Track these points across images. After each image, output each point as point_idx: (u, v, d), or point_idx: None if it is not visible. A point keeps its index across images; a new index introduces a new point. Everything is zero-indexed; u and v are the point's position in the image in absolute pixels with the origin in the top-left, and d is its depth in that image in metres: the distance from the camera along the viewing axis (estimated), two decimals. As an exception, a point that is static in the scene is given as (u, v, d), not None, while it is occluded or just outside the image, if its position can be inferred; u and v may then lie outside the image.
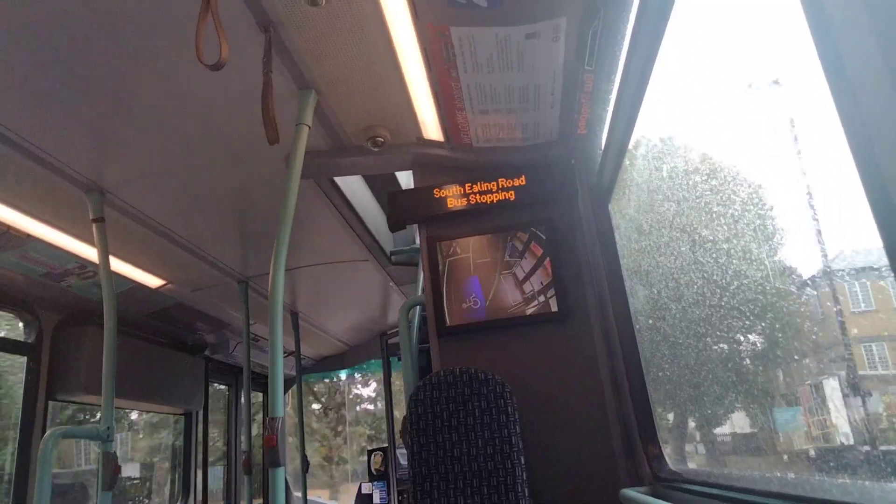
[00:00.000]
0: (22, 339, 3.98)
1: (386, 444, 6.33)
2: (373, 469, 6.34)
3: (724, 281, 1.77)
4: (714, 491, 1.68)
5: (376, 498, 6.29)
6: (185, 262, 3.94)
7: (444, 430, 2.50)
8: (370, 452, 6.47)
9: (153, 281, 4.15)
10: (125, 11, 1.95)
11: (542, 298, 2.78)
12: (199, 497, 5.74)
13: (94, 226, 3.00)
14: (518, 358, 2.75)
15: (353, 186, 3.89)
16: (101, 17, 1.96)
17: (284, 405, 5.70)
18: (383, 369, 6.68)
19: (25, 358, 3.95)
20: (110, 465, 2.88)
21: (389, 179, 4.09)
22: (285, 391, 6.95)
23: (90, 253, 3.43)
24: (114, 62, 2.18)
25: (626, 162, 2.46)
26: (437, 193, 2.96)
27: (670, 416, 2.66)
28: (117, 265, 3.70)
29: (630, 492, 2.29)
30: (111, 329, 3.01)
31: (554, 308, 2.76)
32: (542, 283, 2.80)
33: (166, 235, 3.56)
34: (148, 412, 6.81)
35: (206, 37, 1.84)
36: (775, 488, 1.46)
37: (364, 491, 6.37)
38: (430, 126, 2.82)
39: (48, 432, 2.77)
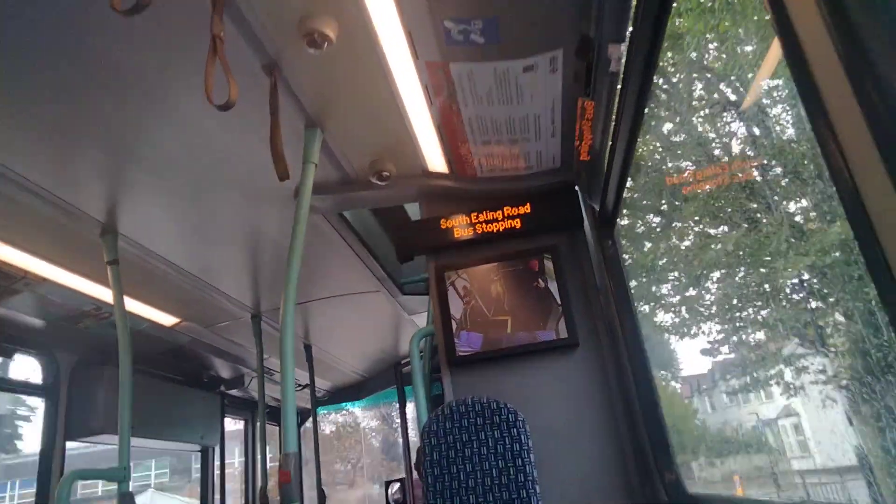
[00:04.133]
0: (40, 382, 4.02)
1: (403, 476, 6.28)
2: (391, 500, 6.27)
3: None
4: None
5: (395, 530, 6.20)
6: (198, 299, 3.99)
7: (459, 461, 2.49)
8: (387, 483, 6.41)
9: (168, 319, 4.19)
10: (135, 58, 2.02)
11: (551, 325, 2.78)
12: None
13: (108, 268, 3.06)
14: (530, 386, 2.74)
15: (363, 219, 3.94)
16: (112, 65, 2.03)
17: (299, 438, 5.69)
18: (398, 399, 6.65)
19: (43, 399, 3.99)
20: None
21: (398, 209, 4.13)
22: (301, 424, 6.94)
23: (106, 294, 3.48)
24: (125, 108, 2.25)
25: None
26: (443, 224, 3.00)
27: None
28: (132, 305, 3.75)
29: None
30: (127, 369, 3.04)
31: (564, 335, 2.76)
32: (551, 310, 2.81)
33: (180, 274, 3.61)
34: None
35: (215, 79, 1.90)
36: None
37: (383, 523, 6.28)
38: (435, 159, 2.87)
39: (65, 474, 2.79)
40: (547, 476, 2.54)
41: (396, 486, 6.28)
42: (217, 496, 5.82)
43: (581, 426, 2.65)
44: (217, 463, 5.90)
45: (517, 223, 2.94)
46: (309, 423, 6.47)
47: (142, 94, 2.20)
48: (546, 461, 2.57)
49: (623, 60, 2.09)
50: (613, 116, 2.38)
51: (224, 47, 1.89)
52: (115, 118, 2.30)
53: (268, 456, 5.41)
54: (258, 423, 5.70)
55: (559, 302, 2.81)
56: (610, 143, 2.49)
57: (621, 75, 2.15)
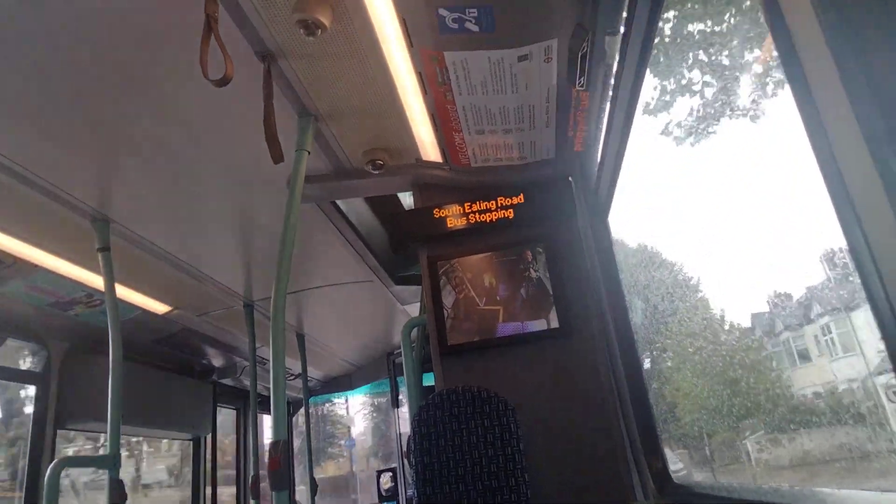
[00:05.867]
0: (31, 369, 4.01)
1: (394, 465, 6.31)
2: (382, 490, 6.30)
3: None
4: None
5: (386, 519, 6.24)
6: (190, 287, 3.98)
7: (448, 450, 2.50)
8: (379, 473, 6.44)
9: (159, 307, 4.18)
10: (128, 44, 2.01)
11: (543, 315, 2.79)
12: None
13: (99, 255, 3.05)
14: (521, 375, 2.75)
15: (356, 208, 3.93)
16: (105, 50, 2.02)
17: (290, 427, 5.69)
18: (390, 389, 6.67)
19: (34, 387, 3.98)
20: (117, 492, 2.90)
21: (391, 198, 4.13)
22: (293, 413, 6.95)
23: (97, 281, 3.47)
24: (117, 94, 2.24)
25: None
26: (436, 214, 2.99)
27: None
28: (124, 293, 3.74)
29: None
30: (117, 357, 3.04)
31: (555, 324, 2.77)
32: (543, 300, 2.82)
33: (172, 262, 3.60)
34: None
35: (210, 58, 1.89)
36: (784, 499, 1.45)
37: (374, 513, 6.32)
38: (429, 147, 2.87)
39: (55, 461, 2.79)
40: (537, 464, 2.56)
41: (388, 475, 6.31)
42: (209, 487, 5.83)
43: (571, 415, 2.66)
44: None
45: (510, 213, 2.95)
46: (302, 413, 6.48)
47: (134, 80, 2.18)
48: (536, 449, 2.59)
49: (618, 51, 2.09)
50: (608, 107, 2.38)
51: (218, 30, 1.88)
52: (107, 104, 2.29)
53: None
54: (250, 413, 5.71)
55: (551, 292, 2.82)
56: (604, 133, 2.49)
57: (615, 66, 2.15)
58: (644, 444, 2.38)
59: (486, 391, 2.57)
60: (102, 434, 4.28)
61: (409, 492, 6.08)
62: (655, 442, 2.35)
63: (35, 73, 2.08)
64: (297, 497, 6.63)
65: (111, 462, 2.92)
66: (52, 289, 3.54)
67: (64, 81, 2.14)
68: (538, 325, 2.78)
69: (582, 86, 2.27)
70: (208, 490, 5.80)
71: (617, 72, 2.14)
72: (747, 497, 1.66)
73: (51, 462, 3.74)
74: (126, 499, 2.95)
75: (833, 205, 0.89)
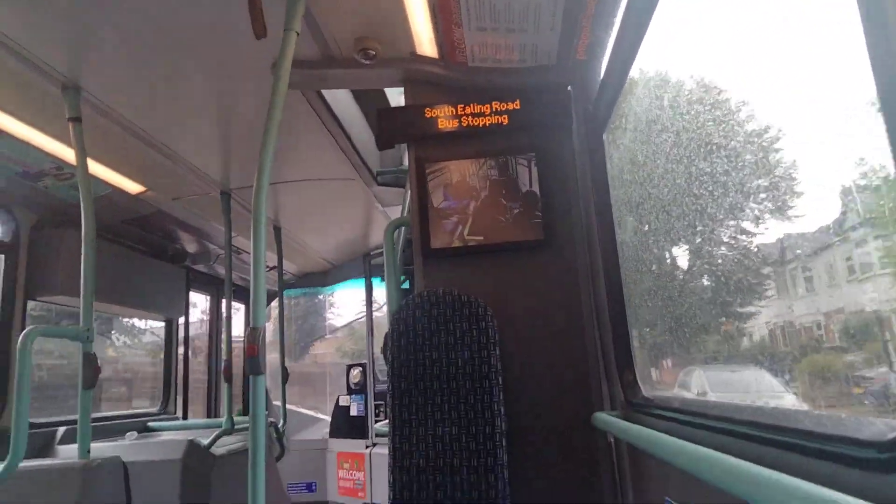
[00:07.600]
0: (-1, 239, 3.92)
1: (365, 361, 6.49)
2: (351, 383, 6.52)
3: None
4: (684, 417, 1.74)
5: (353, 410, 6.50)
6: (165, 169, 3.85)
7: (426, 349, 2.55)
8: (349, 367, 6.64)
9: (133, 187, 4.06)
10: None
11: (529, 225, 2.77)
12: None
13: (70, 125, 2.90)
14: (501, 282, 2.77)
15: (342, 101, 3.77)
16: None
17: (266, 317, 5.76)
18: (366, 289, 6.75)
19: (3, 256, 3.90)
20: (91, 365, 2.92)
21: (378, 95, 3.97)
22: (267, 304, 7.01)
23: (67, 153, 3.33)
24: None
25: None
26: (428, 113, 2.88)
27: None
28: (95, 168, 3.60)
29: (603, 415, 2.39)
30: (90, 233, 2.96)
31: (540, 235, 2.76)
32: (529, 210, 2.79)
33: (146, 140, 3.45)
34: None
35: None
36: (746, 416, 1.50)
37: (342, 403, 6.57)
38: (425, 41, 2.71)
39: (27, 330, 2.76)
40: (511, 369, 2.63)
41: (357, 370, 6.51)
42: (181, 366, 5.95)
43: (548, 324, 2.71)
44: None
45: (505, 119, 2.85)
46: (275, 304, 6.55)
47: None
48: (511, 355, 2.65)
49: None
50: (620, 14, 2.25)
51: None
52: None
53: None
54: (224, 300, 5.74)
55: (539, 202, 2.78)
56: (612, 43, 2.37)
57: None
58: (618, 358, 2.45)
59: (466, 295, 2.59)
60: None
61: (378, 387, 6.30)
62: (629, 356, 2.41)
63: None
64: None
65: (84, 334, 2.92)
66: (20, 157, 3.38)
67: None
68: (523, 235, 2.77)
69: (595, -14, 2.13)
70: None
71: None
72: (713, 412, 1.72)
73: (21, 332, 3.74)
74: (99, 372, 2.97)
75: None
